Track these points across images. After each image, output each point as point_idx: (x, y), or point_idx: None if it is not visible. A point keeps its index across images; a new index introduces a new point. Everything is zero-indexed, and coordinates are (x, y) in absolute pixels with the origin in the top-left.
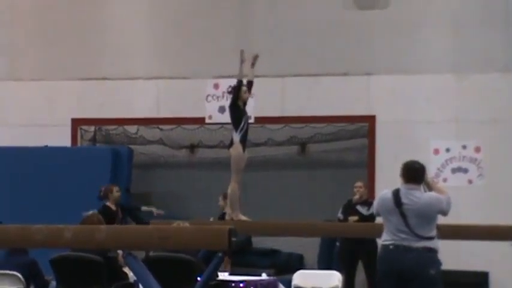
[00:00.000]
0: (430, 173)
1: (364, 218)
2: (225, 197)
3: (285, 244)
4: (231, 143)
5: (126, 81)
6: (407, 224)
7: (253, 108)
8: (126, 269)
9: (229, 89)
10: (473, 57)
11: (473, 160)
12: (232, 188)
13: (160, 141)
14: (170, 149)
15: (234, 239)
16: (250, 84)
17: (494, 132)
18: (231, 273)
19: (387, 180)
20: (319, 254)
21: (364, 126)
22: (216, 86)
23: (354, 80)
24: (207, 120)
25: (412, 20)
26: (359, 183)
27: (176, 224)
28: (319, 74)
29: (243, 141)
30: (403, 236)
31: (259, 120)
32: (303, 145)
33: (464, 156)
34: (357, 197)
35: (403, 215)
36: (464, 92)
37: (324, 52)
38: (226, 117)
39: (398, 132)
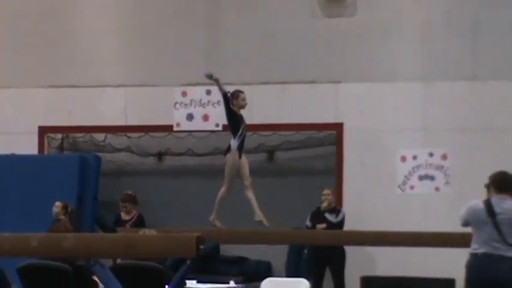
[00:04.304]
0: (397, 180)
1: (332, 226)
2: (64, 206)
3: (253, 252)
4: (228, 149)
5: (94, 89)
6: (500, 234)
7: (221, 116)
8: (95, 278)
9: (229, 96)
10: (441, 65)
11: (440, 167)
12: (221, 192)
13: (128, 149)
14: (138, 157)
15: (201, 246)
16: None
17: (462, 140)
18: (198, 281)
19: (355, 188)
20: (287, 261)
21: (332, 134)
22: (184, 94)
23: (322, 88)
24: (175, 128)
25: (380, 28)
26: (327, 191)
27: (143, 231)
28: (287, 81)
29: (240, 148)
30: (497, 245)
31: (227, 127)
32: (271, 153)
33: (431, 164)
34: (325, 204)
35: (496, 225)
36: (431, 100)
37: (291, 60)
38: (194, 125)
39: (366, 139)
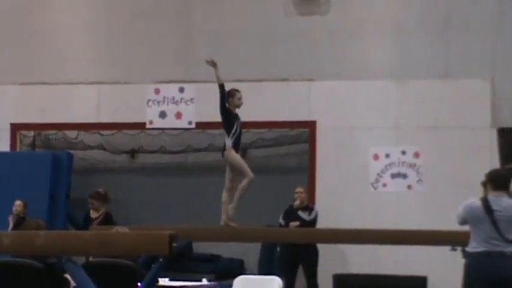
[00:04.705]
0: (370, 178)
1: (305, 224)
2: (25, 205)
3: (226, 249)
4: (224, 148)
5: (67, 86)
6: (498, 231)
7: (194, 114)
8: (68, 276)
9: (226, 94)
10: (413, 63)
11: (412, 165)
12: (242, 185)
13: (100, 146)
14: (110, 154)
15: (174, 244)
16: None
17: (434, 137)
18: (171, 278)
19: (328, 186)
20: (259, 259)
21: (305, 132)
22: (157, 91)
23: (295, 86)
24: (147, 126)
25: (353, 26)
26: (299, 189)
27: (116, 229)
28: (260, 79)
29: (236, 146)
30: (495, 242)
31: (200, 125)
32: (244, 150)
33: (403, 162)
34: (297, 202)
35: (494, 222)
36: (404, 98)
37: (265, 58)
38: (166, 123)
39: (338, 137)
